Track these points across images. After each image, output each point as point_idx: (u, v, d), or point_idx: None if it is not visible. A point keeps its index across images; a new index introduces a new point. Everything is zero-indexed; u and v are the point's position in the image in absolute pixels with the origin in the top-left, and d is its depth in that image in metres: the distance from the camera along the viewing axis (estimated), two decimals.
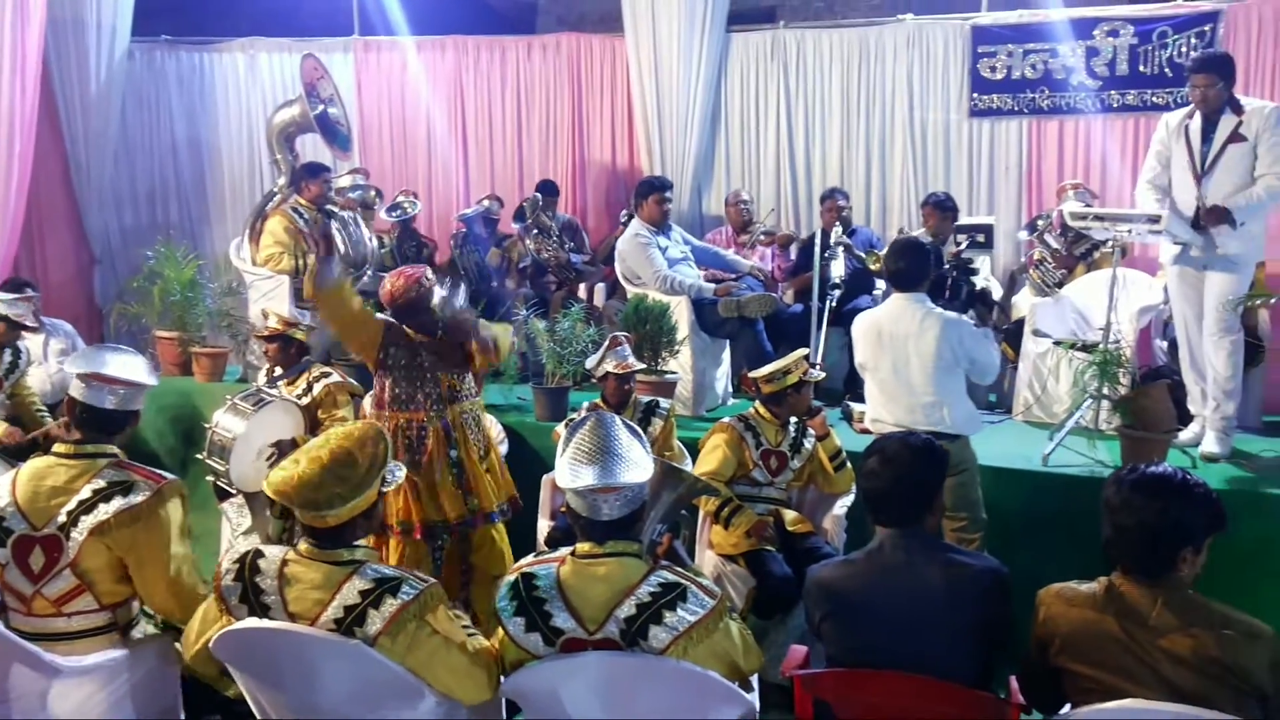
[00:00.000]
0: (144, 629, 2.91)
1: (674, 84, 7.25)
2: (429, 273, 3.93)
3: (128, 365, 2.94)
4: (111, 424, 2.88)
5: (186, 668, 2.74)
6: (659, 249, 5.87)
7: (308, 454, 2.51)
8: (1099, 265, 5.78)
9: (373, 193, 7.40)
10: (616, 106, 7.83)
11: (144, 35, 7.95)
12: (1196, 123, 4.59)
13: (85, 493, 2.73)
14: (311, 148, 7.07)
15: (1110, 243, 4.96)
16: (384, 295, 3.87)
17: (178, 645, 2.78)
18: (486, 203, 7.43)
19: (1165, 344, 5.64)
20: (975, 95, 6.95)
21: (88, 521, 2.69)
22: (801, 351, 4.17)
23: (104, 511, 2.70)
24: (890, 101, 7.15)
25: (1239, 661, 2.18)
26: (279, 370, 4.93)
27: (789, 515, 4.11)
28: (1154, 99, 6.54)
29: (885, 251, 4.53)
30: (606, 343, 4.51)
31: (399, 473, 2.75)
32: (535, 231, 6.97)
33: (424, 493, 3.86)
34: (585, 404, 4.49)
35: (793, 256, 6.91)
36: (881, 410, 4.11)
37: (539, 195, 7.12)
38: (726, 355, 6.03)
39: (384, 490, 2.58)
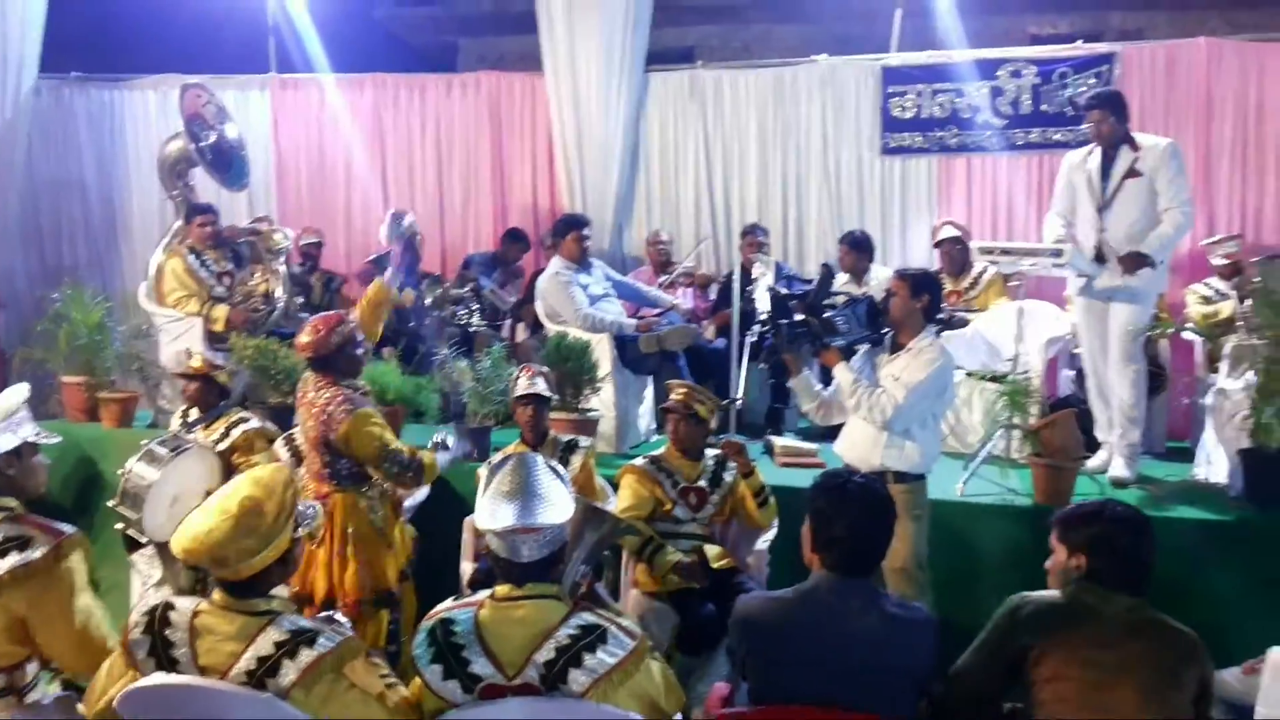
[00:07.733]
0: (43, 690, 2.79)
1: (594, 123, 7.29)
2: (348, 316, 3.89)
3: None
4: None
5: None
6: (580, 286, 5.87)
7: (215, 508, 2.44)
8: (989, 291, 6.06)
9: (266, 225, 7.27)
10: (538, 145, 7.83)
11: (55, 71, 7.77)
12: (1096, 159, 4.78)
13: None
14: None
15: (1002, 273, 5.13)
16: (304, 349, 3.78)
17: (80, 707, 2.67)
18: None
19: (1072, 374, 5.82)
20: (887, 134, 7.12)
21: None
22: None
23: None
24: (805, 140, 7.28)
25: (1192, 671, 2.38)
26: (195, 413, 4.81)
27: (712, 551, 4.10)
28: (1056, 137, 6.80)
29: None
30: (515, 373, 4.54)
31: (314, 514, 2.69)
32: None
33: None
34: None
35: (711, 297, 6.99)
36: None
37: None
38: (649, 392, 6.04)
39: (296, 535, 2.51)
